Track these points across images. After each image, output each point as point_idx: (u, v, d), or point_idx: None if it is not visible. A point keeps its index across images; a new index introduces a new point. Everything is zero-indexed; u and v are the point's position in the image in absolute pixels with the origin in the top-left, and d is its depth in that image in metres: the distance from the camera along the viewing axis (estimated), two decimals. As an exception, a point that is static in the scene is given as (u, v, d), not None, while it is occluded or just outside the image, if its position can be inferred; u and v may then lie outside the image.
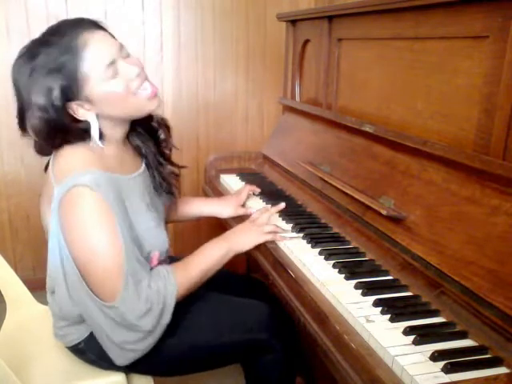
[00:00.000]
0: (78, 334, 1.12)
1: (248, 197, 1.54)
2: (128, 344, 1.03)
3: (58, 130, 1.00)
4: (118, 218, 0.99)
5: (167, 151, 1.25)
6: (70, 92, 0.98)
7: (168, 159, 1.26)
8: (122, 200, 1.04)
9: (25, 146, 2.32)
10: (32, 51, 0.97)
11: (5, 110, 2.13)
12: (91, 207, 0.95)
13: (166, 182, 1.22)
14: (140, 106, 1.05)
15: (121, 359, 1.06)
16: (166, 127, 1.23)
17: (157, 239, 1.13)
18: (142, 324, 1.01)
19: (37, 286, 1.49)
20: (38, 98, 0.97)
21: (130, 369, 1.16)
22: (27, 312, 1.35)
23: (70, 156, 1.02)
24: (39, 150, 1.10)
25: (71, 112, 1.00)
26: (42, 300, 1.27)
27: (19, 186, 2.22)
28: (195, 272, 1.12)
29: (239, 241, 1.22)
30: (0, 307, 1.34)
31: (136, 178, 1.14)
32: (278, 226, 1.28)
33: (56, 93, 0.96)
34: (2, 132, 2.16)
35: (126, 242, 0.99)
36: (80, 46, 0.95)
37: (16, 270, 1.38)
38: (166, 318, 1.05)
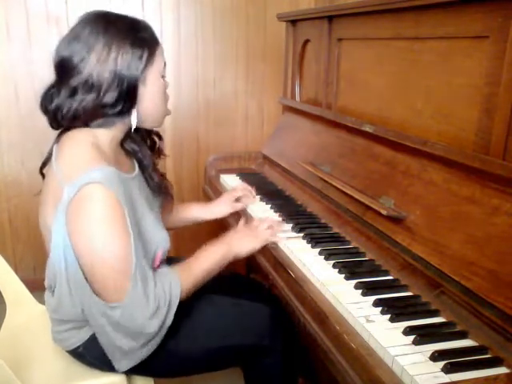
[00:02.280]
0: (77, 338, 1.11)
1: (243, 195, 1.54)
2: (131, 350, 1.02)
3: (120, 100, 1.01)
4: (127, 215, 0.98)
5: (157, 158, 1.28)
6: (149, 60, 1.03)
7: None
8: (130, 197, 1.04)
9: (25, 148, 2.33)
10: (115, 37, 1.01)
11: (5, 111, 2.13)
12: (103, 205, 0.94)
13: (162, 184, 1.24)
14: (163, 116, 1.14)
15: (122, 365, 1.05)
16: (159, 136, 1.27)
17: (161, 238, 1.14)
18: (149, 325, 1.00)
19: (37, 286, 1.49)
20: (129, 49, 1.00)
21: (130, 370, 1.15)
22: (27, 312, 1.35)
23: (76, 154, 1.01)
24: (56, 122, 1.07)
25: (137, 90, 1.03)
26: (42, 300, 1.26)
27: (19, 186, 2.22)
28: (197, 273, 1.13)
29: (238, 245, 1.22)
30: (0, 307, 1.34)
31: (135, 179, 1.14)
32: (276, 228, 1.29)
33: (139, 66, 1.01)
34: (3, 133, 2.16)
35: (134, 240, 0.99)
36: (156, 42, 1.07)
37: (16, 270, 1.38)
38: (170, 319, 1.04)
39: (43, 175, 1.11)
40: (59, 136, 1.08)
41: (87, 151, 1.00)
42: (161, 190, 1.22)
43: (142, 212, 1.09)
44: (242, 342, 1.16)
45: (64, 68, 1.00)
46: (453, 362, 0.77)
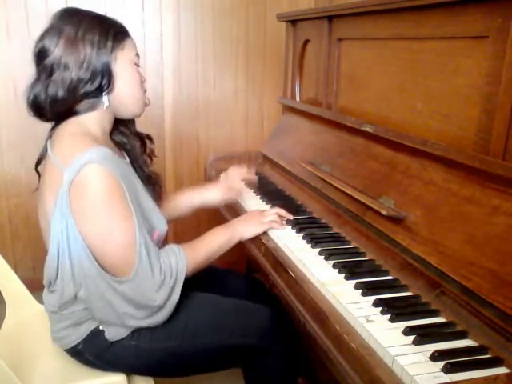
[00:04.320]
0: (76, 336, 1.12)
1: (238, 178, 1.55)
2: (133, 317, 1.05)
3: (84, 90, 1.05)
4: (127, 192, 1.03)
5: (149, 158, 1.31)
6: (117, 45, 1.09)
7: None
8: (127, 177, 1.08)
9: (25, 147, 2.33)
10: (83, 22, 1.07)
11: (5, 110, 2.13)
12: (103, 184, 0.99)
13: (152, 174, 1.27)
14: (141, 104, 1.17)
15: (115, 334, 1.08)
16: (149, 138, 1.31)
17: (159, 219, 1.18)
18: (155, 297, 1.04)
19: (37, 286, 1.48)
20: (90, 56, 1.04)
21: (130, 370, 1.16)
22: (27, 312, 1.35)
23: (71, 141, 1.04)
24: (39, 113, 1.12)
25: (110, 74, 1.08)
26: (42, 300, 1.27)
27: (19, 186, 2.22)
28: (201, 253, 1.17)
29: (242, 228, 1.27)
30: (0, 307, 1.34)
31: (128, 164, 1.18)
32: (280, 215, 1.33)
33: (108, 54, 1.07)
34: (2, 133, 2.16)
35: (137, 216, 1.04)
36: (125, 32, 1.13)
37: (16, 270, 1.38)
38: (176, 295, 1.08)
39: (39, 173, 1.13)
40: (50, 132, 1.13)
41: (80, 137, 1.04)
42: (150, 181, 1.25)
43: (140, 192, 1.14)
44: (241, 342, 1.16)
45: (39, 57, 1.05)
46: (453, 362, 0.77)
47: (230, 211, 1.57)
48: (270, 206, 1.52)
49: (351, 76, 1.58)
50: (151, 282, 1.04)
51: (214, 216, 1.73)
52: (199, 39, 2.31)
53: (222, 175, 1.56)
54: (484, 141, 1.03)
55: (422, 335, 0.84)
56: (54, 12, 1.10)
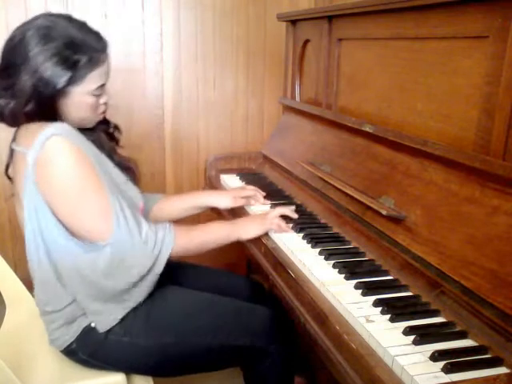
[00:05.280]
0: (69, 335, 1.12)
1: (250, 197, 1.53)
2: (120, 293, 1.06)
3: (45, 99, 1.03)
4: (95, 164, 1.04)
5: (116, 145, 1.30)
6: (74, 81, 1.05)
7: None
8: (92, 151, 1.09)
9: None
10: (58, 27, 1.04)
11: (5, 110, 2.13)
12: (67, 154, 1.00)
13: (123, 160, 1.27)
14: (88, 122, 1.16)
15: (103, 324, 1.09)
16: (117, 128, 1.29)
17: (134, 192, 1.20)
18: (136, 262, 1.05)
19: (37, 286, 1.49)
20: (52, 67, 1.01)
21: (126, 368, 1.16)
22: (27, 312, 1.35)
23: (34, 126, 1.05)
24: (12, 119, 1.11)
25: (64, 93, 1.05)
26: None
27: (19, 186, 2.22)
28: (194, 240, 1.18)
29: (242, 228, 1.26)
30: (0, 307, 1.34)
31: (93, 142, 1.16)
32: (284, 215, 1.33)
33: (69, 70, 1.03)
34: (1, 132, 2.16)
35: (110, 186, 1.05)
36: (101, 60, 1.08)
37: (16, 270, 1.38)
38: (159, 268, 1.09)
39: (10, 177, 1.14)
40: (14, 134, 1.13)
41: (44, 126, 1.03)
42: (122, 166, 1.24)
43: (111, 169, 1.15)
44: (240, 343, 1.16)
45: (1, 69, 1.04)
46: (453, 362, 0.77)
47: (230, 211, 1.57)
48: (269, 205, 1.52)
49: (351, 76, 1.58)
50: (131, 244, 1.05)
51: (214, 215, 1.72)
52: (199, 39, 2.31)
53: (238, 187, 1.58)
54: (484, 141, 1.03)
55: (422, 335, 0.84)
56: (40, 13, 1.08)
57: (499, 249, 0.86)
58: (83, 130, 1.15)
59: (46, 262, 1.07)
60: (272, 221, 1.29)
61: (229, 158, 2.01)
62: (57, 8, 2.08)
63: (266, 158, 1.95)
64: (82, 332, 1.11)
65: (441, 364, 0.77)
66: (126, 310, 1.10)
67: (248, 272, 2.12)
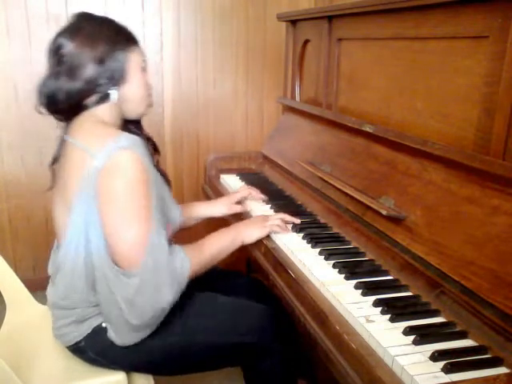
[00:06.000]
0: (78, 333, 1.12)
1: (246, 198, 1.55)
2: (140, 325, 1.04)
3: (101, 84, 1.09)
4: (151, 180, 1.04)
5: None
6: (126, 59, 1.12)
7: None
8: (151, 167, 1.09)
9: (25, 148, 2.33)
10: (99, 22, 1.15)
11: (5, 111, 2.13)
12: (134, 171, 1.00)
13: (164, 174, 1.27)
14: (145, 104, 1.21)
15: (125, 339, 1.07)
16: (154, 147, 1.30)
17: (176, 210, 1.22)
18: (159, 300, 1.03)
19: (37, 286, 1.49)
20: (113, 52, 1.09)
21: (130, 368, 1.16)
22: (27, 312, 1.35)
23: (95, 127, 1.07)
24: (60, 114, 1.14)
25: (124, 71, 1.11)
26: (42, 300, 1.27)
27: (19, 186, 2.22)
28: (205, 255, 1.17)
29: (245, 231, 1.27)
30: (0, 307, 1.34)
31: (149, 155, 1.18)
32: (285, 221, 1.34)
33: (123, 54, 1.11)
34: (2, 133, 2.16)
35: (156, 210, 1.04)
36: (134, 38, 1.16)
37: (16, 270, 1.38)
38: (176, 297, 1.08)
39: (53, 171, 1.15)
40: (65, 129, 1.13)
41: (102, 126, 1.08)
42: (164, 179, 1.25)
43: (161, 184, 1.16)
44: (240, 341, 1.16)
45: (56, 53, 1.09)
46: (453, 362, 0.77)
47: (233, 215, 1.56)
48: (269, 205, 1.52)
49: (351, 76, 1.58)
50: (156, 278, 1.03)
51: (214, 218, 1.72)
52: (199, 39, 2.31)
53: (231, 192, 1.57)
54: (484, 141, 1.03)
55: (422, 335, 0.84)
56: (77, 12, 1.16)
57: (499, 249, 0.86)
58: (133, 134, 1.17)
59: (82, 261, 1.05)
60: (273, 223, 1.30)
61: (229, 158, 2.01)
62: (57, 8, 2.09)
63: (265, 157, 1.95)
64: (92, 331, 1.11)
65: (441, 364, 0.77)
66: (146, 335, 1.08)
67: (248, 271, 2.12)
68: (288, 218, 1.35)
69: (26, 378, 1.09)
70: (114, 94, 1.11)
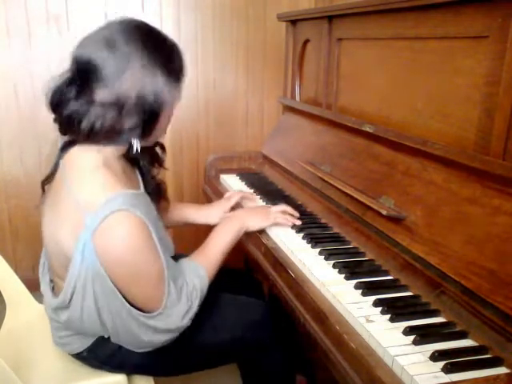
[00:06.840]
0: (80, 344, 1.10)
1: (241, 201, 1.52)
2: (155, 342, 1.04)
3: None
4: (153, 232, 0.98)
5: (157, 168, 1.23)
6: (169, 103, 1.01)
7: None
8: (149, 214, 1.01)
9: (24, 148, 2.32)
10: (157, 48, 0.97)
11: (4, 111, 2.13)
12: (132, 231, 0.93)
13: (161, 188, 1.21)
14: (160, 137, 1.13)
15: (142, 349, 1.07)
16: (162, 148, 1.21)
17: (170, 243, 1.17)
18: (183, 324, 1.04)
19: (37, 286, 1.48)
20: (147, 88, 0.94)
21: (130, 369, 1.16)
22: (27, 312, 1.35)
23: (92, 180, 0.96)
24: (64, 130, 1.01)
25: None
26: (42, 300, 1.27)
27: (19, 186, 2.22)
28: (215, 255, 1.17)
29: (248, 219, 1.27)
30: (0, 307, 1.34)
31: (144, 195, 1.10)
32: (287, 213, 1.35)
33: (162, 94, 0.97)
34: (2, 133, 2.16)
35: (162, 252, 1.00)
36: (185, 73, 1.04)
37: (16, 270, 1.38)
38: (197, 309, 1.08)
39: (44, 189, 1.07)
40: (63, 150, 1.03)
41: (102, 175, 0.96)
42: (158, 191, 1.19)
43: (158, 223, 1.09)
44: (238, 336, 1.16)
45: (91, 74, 0.92)
46: (453, 362, 0.77)
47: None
48: (269, 206, 1.52)
49: (351, 76, 1.58)
50: (180, 310, 1.03)
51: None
52: (199, 39, 2.31)
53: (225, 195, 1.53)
54: (484, 141, 1.03)
55: (422, 335, 0.84)
56: (116, 18, 1.01)
57: (499, 249, 0.86)
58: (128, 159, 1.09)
59: (93, 311, 0.99)
60: (276, 215, 1.31)
61: (228, 158, 2.01)
62: (57, 8, 2.08)
63: (265, 157, 1.95)
64: (94, 342, 1.09)
65: (441, 364, 0.77)
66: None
67: (246, 269, 2.12)
68: (289, 209, 1.36)
69: (26, 378, 1.09)
70: (136, 144, 1.00)
